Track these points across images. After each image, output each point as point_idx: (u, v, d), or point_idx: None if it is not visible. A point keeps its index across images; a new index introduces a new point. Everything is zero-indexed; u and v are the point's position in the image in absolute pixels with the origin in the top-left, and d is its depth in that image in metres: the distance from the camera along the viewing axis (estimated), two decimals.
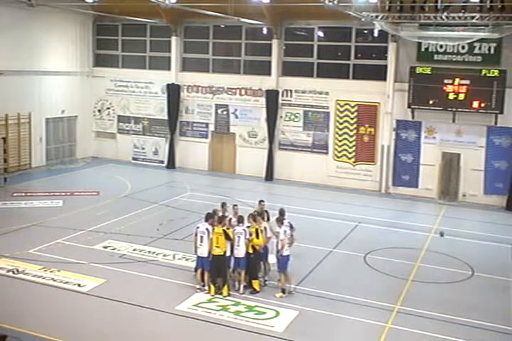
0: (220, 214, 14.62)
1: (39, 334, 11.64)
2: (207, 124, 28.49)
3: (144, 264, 15.68)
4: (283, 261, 13.92)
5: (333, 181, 26.24)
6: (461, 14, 20.80)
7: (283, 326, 12.45)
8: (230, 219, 14.65)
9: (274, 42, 26.55)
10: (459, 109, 23.27)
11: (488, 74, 22.70)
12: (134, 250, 16.77)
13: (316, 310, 13.21)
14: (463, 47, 23.11)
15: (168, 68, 28.73)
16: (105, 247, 16.95)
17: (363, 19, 22.01)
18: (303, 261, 15.94)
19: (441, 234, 19.03)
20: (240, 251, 13.83)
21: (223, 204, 15.46)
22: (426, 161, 24.54)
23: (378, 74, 24.97)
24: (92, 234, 17.98)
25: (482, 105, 22.85)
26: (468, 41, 22.13)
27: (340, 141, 26.07)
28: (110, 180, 26.03)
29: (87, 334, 11.89)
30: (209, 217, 14.13)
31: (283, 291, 13.91)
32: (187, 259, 15.88)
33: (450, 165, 24.27)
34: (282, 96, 26.76)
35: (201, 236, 13.80)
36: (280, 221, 14.22)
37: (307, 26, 26.50)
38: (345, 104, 25.70)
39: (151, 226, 19.09)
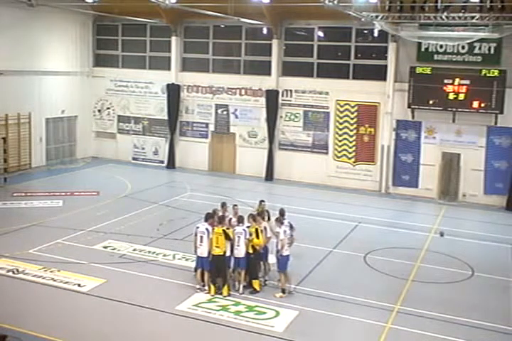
0: (220, 214, 14.63)
1: (39, 334, 11.64)
2: (207, 124, 28.49)
3: (144, 264, 15.68)
4: (283, 261, 13.92)
5: (333, 181, 26.24)
6: (461, 14, 20.80)
7: (283, 326, 12.45)
8: (230, 219, 14.66)
9: (274, 42, 26.55)
10: (459, 109, 23.27)
11: (488, 74, 22.70)
12: (134, 250, 16.77)
13: (316, 310, 13.21)
14: (463, 47, 23.12)
15: (168, 68, 28.73)
16: (105, 247, 16.95)
17: (363, 19, 22.01)
18: (303, 261, 15.94)
19: (441, 234, 19.03)
20: (240, 251, 13.83)
21: (223, 204, 15.47)
22: (426, 161, 24.55)
23: (378, 74, 24.97)
24: (92, 234, 17.99)
25: (482, 105, 22.86)
26: (468, 41, 22.13)
27: (340, 141, 26.07)
28: (110, 180, 26.03)
29: (87, 334, 11.89)
30: (209, 217, 14.13)
31: (283, 291, 13.91)
32: (187, 259, 15.88)
33: (450, 165, 24.28)
34: (282, 96, 26.76)
35: (201, 236, 13.80)
36: (280, 221, 14.22)
37: (307, 26, 26.51)
38: (345, 104, 25.70)
39: (151, 226, 19.09)
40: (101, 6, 26.66)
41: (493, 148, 23.42)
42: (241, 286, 13.97)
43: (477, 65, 23.00)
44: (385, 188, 25.27)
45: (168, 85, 28.59)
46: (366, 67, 25.57)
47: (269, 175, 27.11)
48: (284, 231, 13.92)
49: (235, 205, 15.35)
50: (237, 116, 27.81)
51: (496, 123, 23.07)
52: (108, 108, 30.61)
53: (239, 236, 13.78)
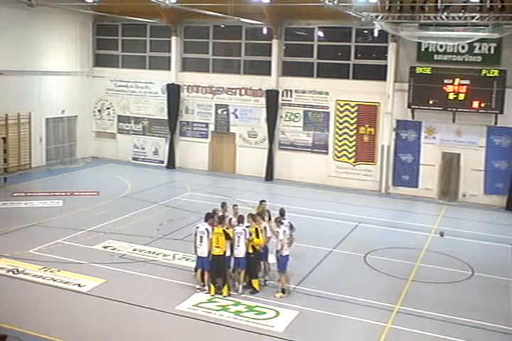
0: (220, 214, 14.63)
1: (39, 334, 11.64)
2: (207, 124, 28.49)
3: (144, 264, 15.68)
4: (282, 261, 13.92)
5: (333, 181, 26.24)
6: (461, 14, 20.80)
7: (283, 326, 12.45)
8: (230, 219, 14.66)
9: (274, 42, 26.55)
10: (459, 109, 23.27)
11: (488, 74, 22.70)
12: (134, 250, 16.77)
13: (316, 310, 13.21)
14: (463, 47, 23.12)
15: (168, 68, 28.73)
16: (105, 247, 16.95)
17: (363, 19, 22.01)
18: (303, 261, 15.94)
19: (441, 234, 19.03)
20: (240, 251, 13.83)
21: (223, 204, 15.47)
22: (426, 161, 24.55)
23: (378, 74, 24.97)
24: (92, 234, 17.99)
25: (482, 105, 22.86)
26: (468, 41, 22.13)
27: (340, 141, 26.07)
28: (110, 180, 26.03)
29: (87, 334, 11.89)
30: (209, 217, 14.13)
31: (283, 291, 13.92)
32: (187, 259, 15.88)
33: (450, 165, 24.28)
34: (282, 96, 26.76)
35: (201, 236, 13.80)
36: (279, 221, 14.23)
37: (307, 26, 26.51)
38: (345, 104, 25.70)
39: (151, 226, 19.09)
40: (101, 6, 26.67)
41: (493, 148, 23.42)
42: (240, 286, 13.97)
43: (477, 65, 23.00)
44: (385, 188, 25.27)
45: (168, 85, 28.59)
46: (366, 67, 25.57)
47: (269, 175, 27.11)
48: (284, 231, 13.92)
49: (235, 205, 15.35)
50: (237, 116, 27.81)
51: (496, 123, 23.07)
52: (108, 108, 30.61)
53: (239, 236, 13.78)
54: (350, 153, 25.90)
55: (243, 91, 27.53)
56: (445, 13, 21.14)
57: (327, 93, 25.96)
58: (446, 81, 23.26)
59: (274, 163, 27.14)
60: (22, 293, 13.71)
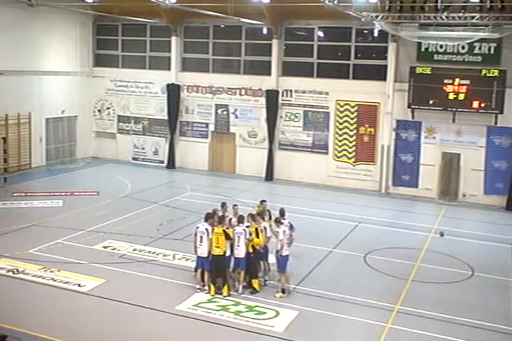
0: (220, 214, 14.62)
1: (39, 334, 11.64)
2: (207, 124, 28.49)
3: (144, 264, 15.68)
4: (282, 261, 13.92)
5: (333, 181, 26.24)
6: (461, 14, 20.80)
7: (283, 326, 12.45)
8: (230, 219, 14.66)
9: (274, 42, 26.55)
10: (459, 109, 23.27)
11: (488, 74, 22.70)
12: (134, 250, 16.77)
13: (316, 310, 13.21)
14: (463, 47, 23.12)
15: (168, 68, 28.74)
16: (105, 247, 16.95)
17: (363, 19, 22.00)
18: (303, 261, 15.94)
19: (441, 234, 19.03)
20: (240, 251, 13.83)
21: (223, 204, 15.47)
22: (426, 161, 24.55)
23: (378, 74, 24.97)
24: (92, 234, 17.99)
25: (482, 105, 22.86)
26: (468, 41, 22.13)
27: (340, 141, 26.07)
28: (110, 180, 26.03)
29: (87, 334, 11.89)
30: (209, 217, 14.13)
31: (283, 291, 13.91)
32: (187, 259, 15.88)
33: (450, 165, 24.27)
34: (282, 96, 26.76)
35: (201, 236, 13.80)
36: (278, 221, 14.24)
37: (307, 26, 26.51)
38: (345, 104, 25.70)
39: (151, 226, 19.09)
40: (101, 6, 26.67)
41: (493, 148, 23.42)
42: (240, 286, 13.96)
43: (477, 65, 23.00)
44: (385, 188, 25.27)
45: (168, 85, 28.59)
46: (366, 67, 25.57)
47: (269, 175, 27.11)
48: (284, 231, 13.92)
49: (235, 205, 15.35)
50: (237, 116, 27.81)
51: (496, 123, 23.07)
52: (108, 108, 30.61)
53: (239, 237, 13.78)
54: (350, 153, 25.90)
55: (243, 91, 27.54)
56: (445, 13, 21.14)
57: (327, 93, 25.96)
58: (446, 81, 23.26)
59: (274, 163, 27.14)
60: (22, 293, 13.71)
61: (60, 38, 28.50)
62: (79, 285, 14.13)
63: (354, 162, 25.88)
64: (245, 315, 12.88)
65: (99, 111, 30.79)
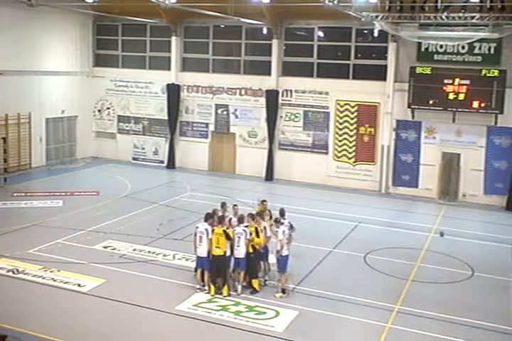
0: (220, 214, 14.62)
1: (39, 334, 11.64)
2: (207, 124, 28.49)
3: (144, 264, 15.68)
4: (282, 262, 13.92)
5: (333, 181, 26.24)
6: (461, 14, 20.80)
7: (283, 326, 12.45)
8: (230, 219, 14.66)
9: (274, 42, 26.55)
10: (459, 109, 23.27)
11: (488, 74, 22.70)
12: (134, 250, 16.77)
13: (316, 310, 13.21)
14: (463, 47, 23.12)
15: (168, 68, 28.74)
16: (105, 247, 16.95)
17: (363, 19, 22.00)
18: (303, 261, 15.94)
19: (441, 234, 19.03)
20: (240, 252, 13.83)
21: (223, 204, 15.47)
22: (426, 161, 24.55)
23: (378, 74, 24.97)
24: (92, 234, 17.99)
25: (482, 105, 22.86)
26: (468, 41, 22.13)
27: (340, 141, 26.07)
28: (110, 180, 26.03)
29: (87, 334, 11.89)
30: (208, 217, 14.13)
31: (283, 291, 13.91)
32: (187, 259, 15.88)
33: (450, 165, 24.28)
34: (282, 96, 26.76)
35: (200, 236, 13.80)
36: (278, 221, 14.25)
37: (307, 26, 26.51)
38: (345, 104, 25.70)
39: (151, 226, 19.09)
40: (101, 6, 26.67)
41: (493, 148, 23.42)
42: (240, 287, 13.95)
43: (477, 65, 23.00)
44: (385, 188, 25.27)
45: (168, 85, 28.59)
46: (366, 67, 25.57)
47: (269, 175, 27.11)
48: (283, 232, 13.91)
49: (235, 205, 15.35)
50: (237, 116, 27.81)
51: (496, 123, 23.07)
52: (108, 108, 30.61)
53: (239, 237, 13.77)
54: (350, 153, 25.90)
55: (243, 91, 27.54)
56: (445, 13, 21.14)
57: (327, 93, 25.97)
58: (446, 81, 23.26)
59: (274, 163, 27.14)
60: (22, 293, 13.71)
61: (60, 38, 28.50)
62: (79, 285, 14.13)
63: (354, 162, 25.88)
64: (245, 315, 12.88)
65: (99, 111, 30.80)
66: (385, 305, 13.62)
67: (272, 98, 26.65)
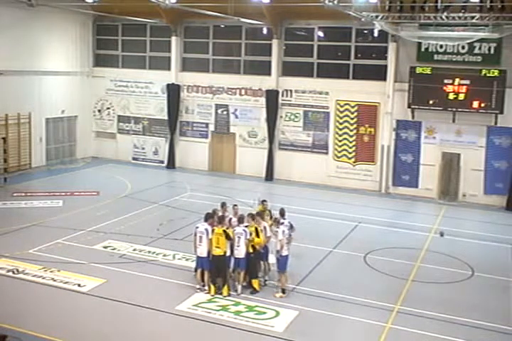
0: (220, 214, 14.62)
1: (39, 334, 11.64)
2: (207, 124, 28.49)
3: (144, 264, 15.68)
4: (282, 262, 13.92)
5: (333, 181, 26.24)
6: (461, 14, 20.81)
7: (283, 326, 12.45)
8: (230, 219, 14.66)
9: (274, 42, 26.55)
10: (459, 109, 23.27)
11: (488, 74, 22.70)
12: (134, 250, 16.77)
13: (316, 310, 13.21)
14: (463, 47, 23.12)
15: (168, 68, 28.74)
16: (105, 247, 16.95)
17: (363, 19, 22.00)
18: (303, 261, 15.94)
19: (441, 234, 19.03)
20: (240, 252, 13.82)
21: (223, 204, 15.47)
22: (426, 161, 24.55)
23: (378, 74, 24.97)
24: (92, 234, 17.99)
25: (482, 105, 22.86)
26: (468, 41, 22.13)
27: (340, 141, 26.07)
28: (110, 180, 26.03)
29: (87, 334, 11.89)
30: (208, 217, 14.13)
31: (283, 291, 13.91)
32: (187, 259, 15.88)
33: (450, 165, 24.28)
34: (282, 96, 26.77)
35: (200, 237, 13.80)
36: (277, 221, 14.25)
37: (307, 26, 26.51)
38: (345, 104, 25.70)
39: (151, 226, 19.09)
40: (101, 6, 26.67)
41: (493, 148, 23.42)
42: (240, 287, 13.95)
43: (477, 65, 23.00)
44: (385, 188, 25.27)
45: (168, 85, 28.59)
46: (366, 67, 25.57)
47: (269, 175, 27.11)
48: (283, 232, 13.91)
49: (235, 205, 15.35)
50: (237, 116, 27.81)
51: (496, 123, 23.07)
52: (108, 108, 30.61)
53: (239, 237, 13.77)
54: (350, 153, 25.90)
55: (243, 91, 27.54)
56: (445, 13, 21.14)
57: (327, 93, 25.96)
58: (446, 81, 23.26)
59: (274, 163, 27.14)
60: (22, 293, 13.71)
61: (60, 38, 28.50)
62: (79, 285, 14.13)
63: (354, 162, 25.88)
64: (245, 315, 12.88)
65: (99, 111, 30.80)
66: (385, 305, 13.62)
67: (271, 98, 26.65)
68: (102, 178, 26.39)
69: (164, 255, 16.39)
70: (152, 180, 26.08)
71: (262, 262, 14.55)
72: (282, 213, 14.74)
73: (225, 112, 28.03)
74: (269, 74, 26.80)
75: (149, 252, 16.63)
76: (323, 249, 17.44)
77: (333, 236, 18.74)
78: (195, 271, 14.36)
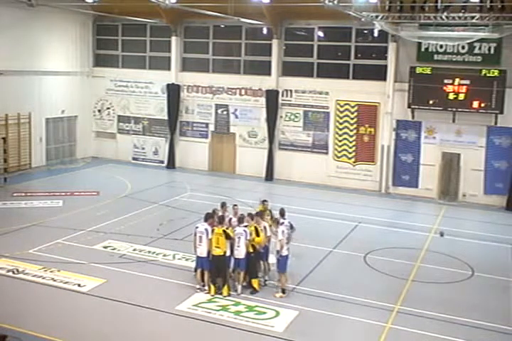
0: (220, 214, 14.62)
1: (39, 334, 11.64)
2: (207, 124, 28.49)
3: (144, 264, 15.68)
4: (282, 262, 13.92)
5: (333, 181, 26.24)
6: (461, 14, 20.81)
7: (283, 326, 12.45)
8: (230, 219, 14.66)
9: (274, 42, 26.55)
10: (459, 109, 23.27)
11: (488, 74, 22.70)
12: (134, 250, 16.77)
13: (316, 310, 13.21)
14: (463, 47, 23.12)
15: (168, 68, 28.74)
16: (105, 247, 16.95)
17: (363, 19, 22.01)
18: (303, 261, 15.95)
19: (441, 234, 19.03)
20: (240, 252, 13.82)
21: (223, 204, 15.47)
22: (426, 161, 24.55)
23: (378, 74, 24.97)
24: (92, 234, 17.99)
25: (482, 105, 22.86)
26: (468, 41, 22.13)
27: (340, 141, 26.07)
28: (110, 180, 26.03)
29: (87, 334, 11.89)
30: (208, 217, 14.12)
31: (283, 291, 13.91)
32: (187, 259, 15.88)
33: (450, 165, 24.28)
34: (282, 96, 26.76)
35: (200, 237, 13.80)
36: (277, 221, 14.25)
37: (307, 26, 26.51)
38: (345, 104, 25.70)
39: (151, 226, 19.09)
40: (101, 6, 26.67)
41: (493, 148, 23.42)
42: (239, 287, 13.95)
43: (477, 65, 23.00)
44: (385, 188, 25.27)
45: (168, 85, 28.59)
46: (366, 67, 25.57)
47: (269, 175, 27.11)
48: (282, 232, 13.91)
49: (235, 205, 15.35)
50: (237, 116, 27.81)
51: (496, 123, 23.07)
52: (108, 108, 30.61)
53: (239, 237, 13.76)
54: (350, 153, 25.90)
55: (243, 91, 27.54)
56: (445, 13, 21.14)
57: (327, 93, 25.96)
58: (446, 81, 23.26)
59: (274, 163, 27.14)
60: (22, 293, 13.71)
61: (60, 38, 28.50)
62: (79, 285, 14.13)
63: (354, 162, 25.88)
64: (245, 315, 12.88)
65: (99, 111, 30.80)
66: (385, 305, 13.62)
67: (271, 98, 26.65)
68: (102, 178, 26.39)
69: (164, 255, 16.39)
70: (152, 180, 26.08)
71: (262, 262, 14.55)
72: (282, 213, 14.73)
73: (225, 112, 28.03)
74: (269, 74, 26.80)
75: (149, 252, 16.63)
76: (323, 249, 17.44)
77: (333, 236, 18.74)
78: (195, 271, 14.36)
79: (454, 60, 23.41)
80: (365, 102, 25.31)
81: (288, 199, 22.41)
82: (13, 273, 14.72)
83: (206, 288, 13.90)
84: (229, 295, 13.75)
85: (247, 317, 12.74)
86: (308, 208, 21.76)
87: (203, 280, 13.97)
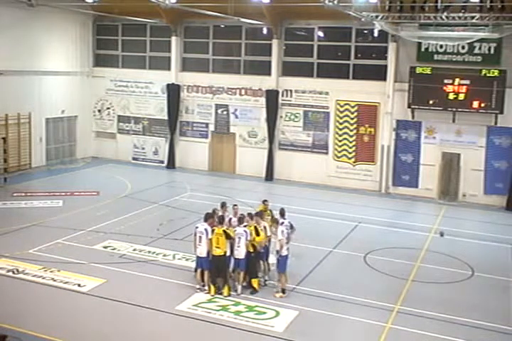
0: (220, 214, 14.62)
1: (39, 334, 11.64)
2: (207, 124, 28.49)
3: (144, 264, 15.68)
4: (282, 262, 13.92)
5: (333, 181, 26.24)
6: (461, 14, 20.81)
7: (283, 326, 12.45)
8: (230, 219, 14.67)
9: (274, 42, 26.55)
10: (459, 109, 23.27)
11: (488, 74, 22.70)
12: (134, 250, 16.77)
13: (316, 310, 13.21)
14: (463, 47, 23.12)
15: (168, 68, 28.74)
16: (105, 247, 16.95)
17: (363, 19, 22.01)
18: (303, 261, 15.95)
19: (441, 234, 19.03)
20: (240, 252, 13.82)
21: (223, 204, 15.47)
22: (426, 161, 24.55)
23: (378, 74, 24.97)
24: (92, 234, 17.99)
25: (482, 105, 22.86)
26: (468, 41, 22.13)
27: (340, 141, 26.07)
28: (110, 180, 26.03)
29: (87, 334, 11.89)
30: (208, 217, 14.12)
31: (283, 291, 13.91)
32: (187, 259, 15.88)
33: (450, 165, 24.28)
34: (282, 96, 26.76)
35: (200, 237, 13.80)
36: (276, 221, 14.25)
37: (307, 26, 26.51)
38: (345, 104, 25.70)
39: (151, 226, 19.09)
40: (101, 6, 26.67)
41: (493, 148, 23.42)
42: (239, 287, 13.94)
43: (477, 65, 23.00)
44: (385, 188, 25.27)
45: (168, 85, 28.59)
46: (366, 67, 25.57)
47: (269, 175, 27.11)
48: (282, 232, 13.91)
49: (235, 205, 15.35)
50: (237, 116, 27.81)
51: (496, 123, 23.07)
52: (108, 108, 30.61)
53: (239, 238, 13.76)
54: (350, 153, 25.90)
55: (243, 91, 27.54)
56: (445, 13, 21.14)
57: (327, 93, 25.96)
58: (446, 81, 23.26)
59: (274, 163, 27.14)
60: (22, 293, 13.71)
61: (60, 38, 28.50)
62: (79, 285, 14.13)
63: (354, 162, 25.88)
64: (245, 315, 12.88)
65: (99, 111, 30.80)
66: (385, 305, 13.62)
67: (272, 98, 26.65)
68: (102, 178, 26.39)
69: (164, 255, 16.40)
70: (152, 180, 26.09)
71: (262, 262, 14.56)
72: (282, 213, 14.74)
73: (225, 112, 28.03)
74: (269, 74, 26.80)
75: (149, 252, 16.63)
76: (323, 249, 17.44)
77: (333, 236, 18.74)
78: (195, 271, 14.36)
79: (454, 60, 23.41)
80: (365, 102, 25.31)
81: (288, 199, 22.41)
82: (13, 273, 14.72)
83: (206, 288, 13.90)
84: (229, 295, 13.74)
85: (247, 317, 12.74)
86: (308, 208, 21.76)
87: (202, 280, 13.97)
